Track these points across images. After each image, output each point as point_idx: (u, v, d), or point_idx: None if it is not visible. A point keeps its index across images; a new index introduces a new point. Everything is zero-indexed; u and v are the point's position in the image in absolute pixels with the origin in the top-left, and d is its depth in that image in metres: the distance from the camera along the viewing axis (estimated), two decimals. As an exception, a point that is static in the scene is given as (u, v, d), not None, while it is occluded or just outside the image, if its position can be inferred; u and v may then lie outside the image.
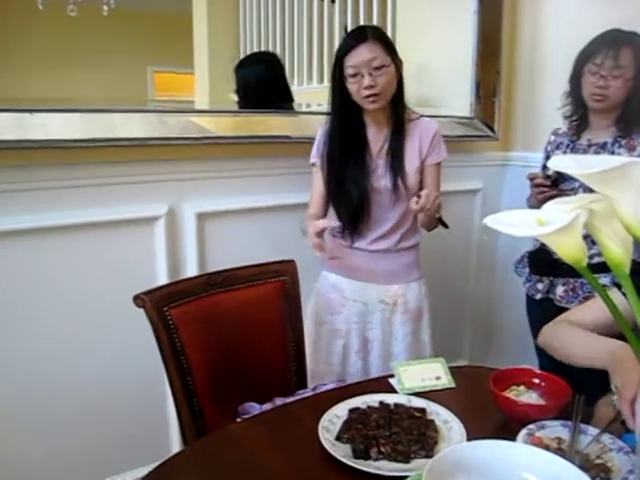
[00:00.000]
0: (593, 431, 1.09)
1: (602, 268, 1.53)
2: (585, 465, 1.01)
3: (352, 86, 1.67)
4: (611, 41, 1.84)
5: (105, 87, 4.66)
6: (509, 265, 2.18)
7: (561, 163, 0.62)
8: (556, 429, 1.11)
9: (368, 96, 1.66)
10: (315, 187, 1.81)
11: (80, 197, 1.70)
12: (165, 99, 5.48)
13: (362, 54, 1.64)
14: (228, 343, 1.49)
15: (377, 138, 1.78)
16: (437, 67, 2.67)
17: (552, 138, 2.12)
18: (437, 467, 0.88)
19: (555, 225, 0.56)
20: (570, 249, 0.60)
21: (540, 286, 2.00)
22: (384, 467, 1.02)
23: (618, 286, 1.25)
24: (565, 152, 2.03)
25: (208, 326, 1.46)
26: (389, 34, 3.04)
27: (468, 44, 2.51)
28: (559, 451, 1.05)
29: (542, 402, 1.20)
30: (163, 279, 1.84)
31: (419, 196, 1.58)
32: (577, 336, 1.22)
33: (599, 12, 2.24)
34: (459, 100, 2.58)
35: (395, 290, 1.85)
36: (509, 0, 2.55)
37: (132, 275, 1.80)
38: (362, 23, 3.39)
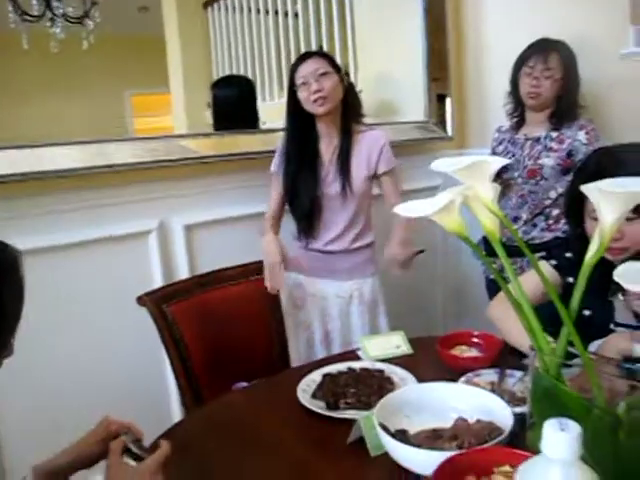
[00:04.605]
0: (519, 374, 1.34)
1: (539, 249, 1.86)
2: (511, 400, 1.26)
3: (302, 94, 1.88)
4: (541, 48, 2.15)
5: (88, 115, 4.89)
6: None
7: (443, 163, 0.87)
8: (490, 375, 1.34)
9: (316, 100, 1.86)
10: (273, 193, 2.03)
11: (82, 218, 1.89)
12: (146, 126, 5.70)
13: (309, 66, 1.88)
14: (219, 333, 1.73)
15: (328, 149, 1.97)
16: (393, 76, 2.91)
17: (496, 135, 2.39)
18: (385, 405, 1.10)
19: (434, 207, 0.81)
20: (451, 224, 0.85)
21: (493, 267, 2.25)
22: (350, 414, 1.26)
23: (546, 259, 1.50)
24: (506, 147, 2.30)
25: (202, 319, 1.70)
26: (350, 46, 3.30)
27: (418, 53, 2.76)
28: (491, 392, 1.29)
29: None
30: (159, 284, 2.03)
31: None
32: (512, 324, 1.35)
33: (533, 20, 2.51)
34: (415, 105, 2.81)
35: (350, 285, 2.04)
36: (452, 13, 2.81)
37: (131, 282, 1.97)
38: (324, 36, 3.64)
